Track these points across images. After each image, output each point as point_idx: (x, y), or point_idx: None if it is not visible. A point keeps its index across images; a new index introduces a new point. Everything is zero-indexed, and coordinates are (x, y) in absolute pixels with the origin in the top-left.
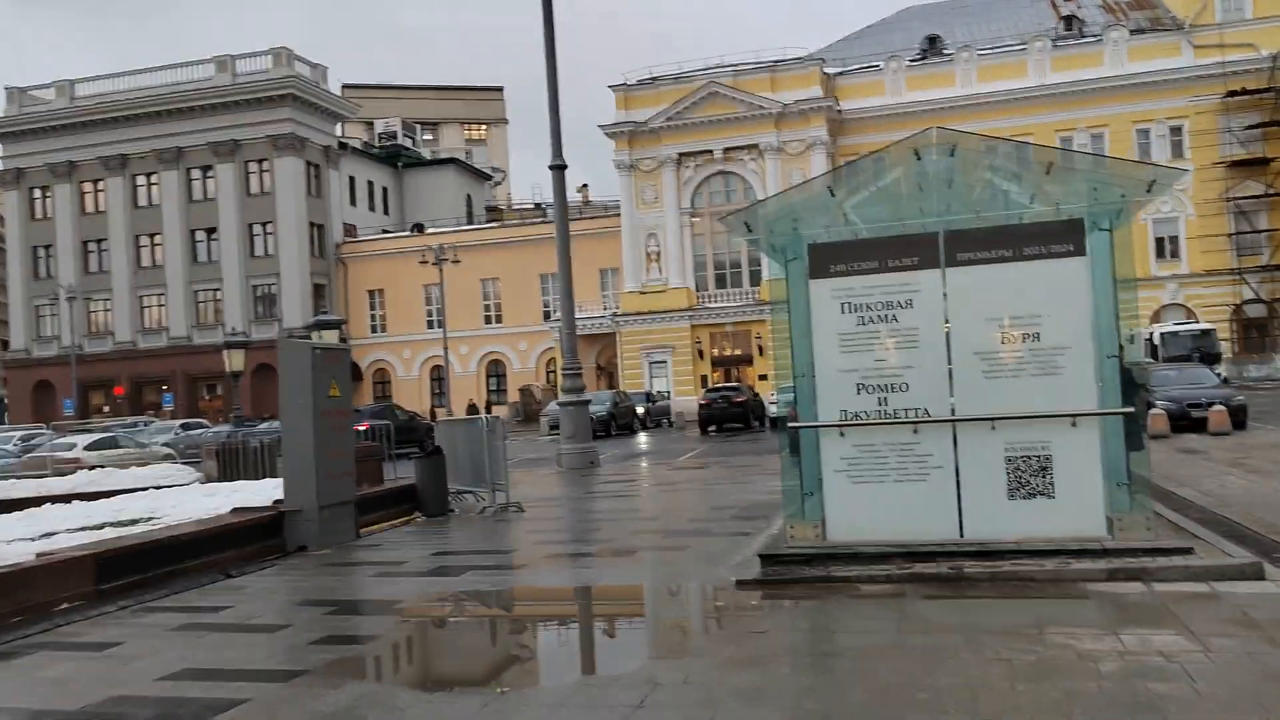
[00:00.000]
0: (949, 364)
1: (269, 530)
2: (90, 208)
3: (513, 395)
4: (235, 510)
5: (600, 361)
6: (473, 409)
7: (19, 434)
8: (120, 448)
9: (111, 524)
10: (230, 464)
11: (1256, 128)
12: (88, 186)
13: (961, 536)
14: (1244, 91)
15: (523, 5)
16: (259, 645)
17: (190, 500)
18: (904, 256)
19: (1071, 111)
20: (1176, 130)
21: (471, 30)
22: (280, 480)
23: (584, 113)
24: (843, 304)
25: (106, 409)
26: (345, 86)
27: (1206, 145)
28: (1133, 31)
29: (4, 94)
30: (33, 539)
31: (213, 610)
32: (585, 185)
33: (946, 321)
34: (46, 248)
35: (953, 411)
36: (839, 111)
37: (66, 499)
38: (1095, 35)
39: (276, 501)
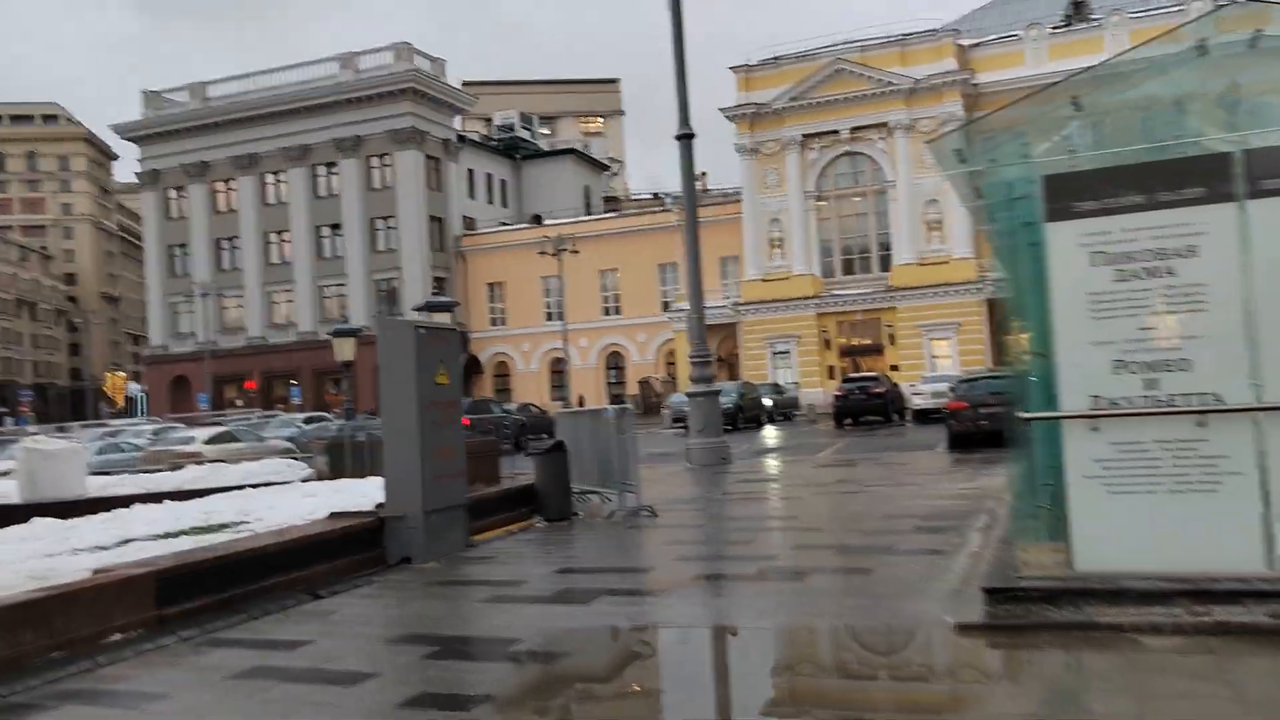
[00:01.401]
0: (1250, 333)
1: (368, 539)
2: (222, 206)
3: (632, 388)
4: (332, 516)
5: (721, 353)
6: (582, 402)
7: (152, 428)
8: (239, 442)
9: (195, 529)
10: (339, 460)
11: None
12: (219, 185)
13: (1273, 569)
14: None
15: None
16: (332, 707)
17: (287, 501)
18: (1183, 187)
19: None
20: None
21: (585, 22)
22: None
23: (702, 99)
24: (1093, 254)
25: (239, 403)
26: (463, 83)
27: None
28: None
29: (141, 98)
30: (106, 547)
31: (289, 647)
32: (704, 173)
33: (1246, 276)
34: (181, 246)
35: (1258, 398)
36: (974, 85)
37: (158, 498)
38: None
39: (378, 505)
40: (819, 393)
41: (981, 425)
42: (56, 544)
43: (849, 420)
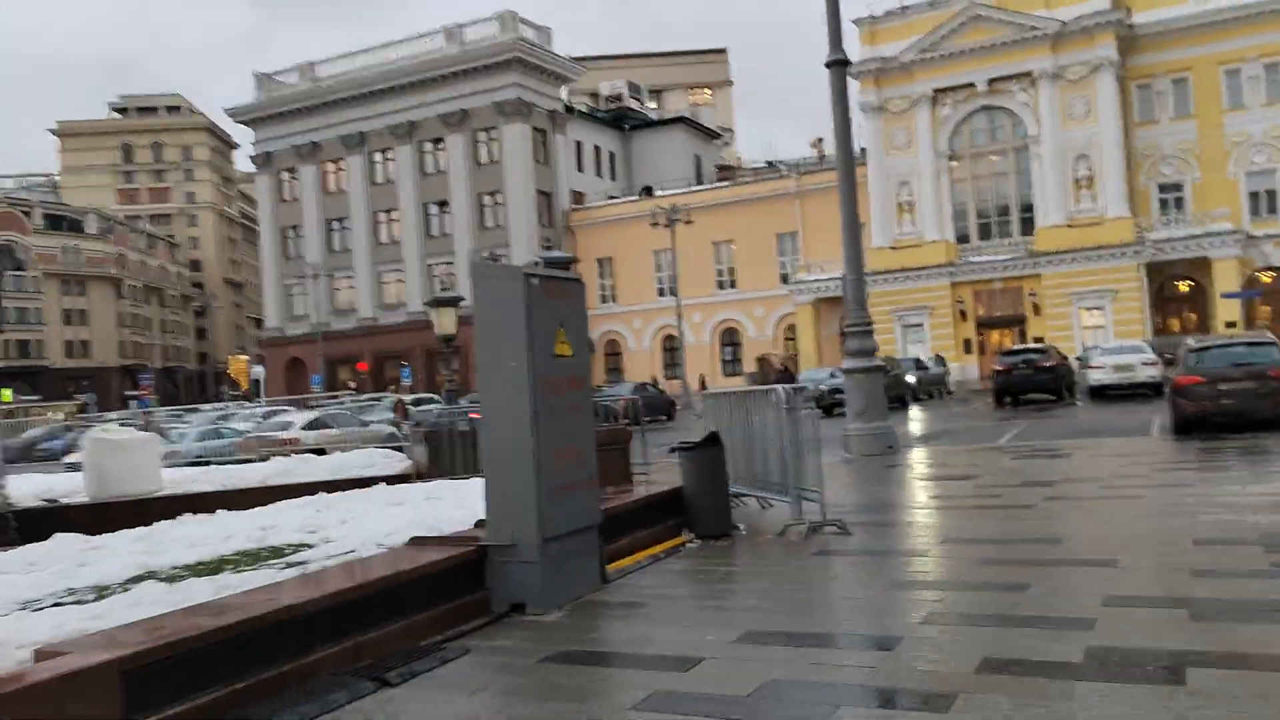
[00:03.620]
0: None
1: (464, 578)
2: (332, 187)
3: (749, 365)
4: (413, 542)
5: (844, 326)
6: (703, 383)
7: (263, 411)
8: (338, 427)
9: (239, 558)
10: (440, 453)
11: None
12: (329, 166)
13: None
14: None
15: None
16: None
17: (368, 512)
18: None
19: None
20: None
21: None
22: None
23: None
24: None
25: (351, 384)
26: (569, 58)
27: None
28: None
29: (253, 81)
30: (106, 589)
31: None
32: (820, 139)
33: None
34: (294, 228)
35: None
36: (1130, 26)
37: (241, 495)
38: None
39: (478, 524)
40: (956, 367)
41: (1224, 406)
42: (47, 582)
43: (1009, 399)
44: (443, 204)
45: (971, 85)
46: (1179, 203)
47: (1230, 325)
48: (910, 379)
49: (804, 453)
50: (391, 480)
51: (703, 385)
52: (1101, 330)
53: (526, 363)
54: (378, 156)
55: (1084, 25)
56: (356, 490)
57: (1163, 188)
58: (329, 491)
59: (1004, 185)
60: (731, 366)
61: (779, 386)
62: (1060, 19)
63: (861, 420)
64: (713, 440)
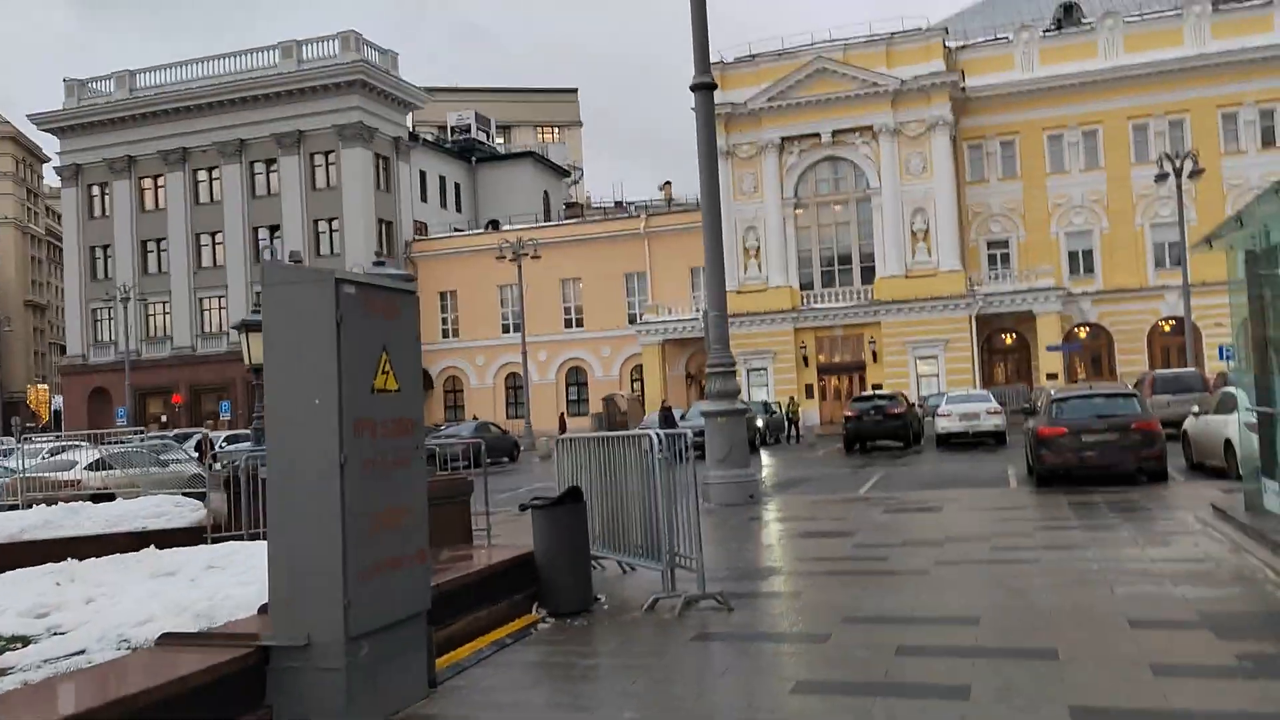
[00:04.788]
0: None
1: (232, 694)
2: (150, 205)
3: (595, 405)
4: (165, 641)
5: (690, 369)
6: (562, 424)
7: (50, 445)
8: (132, 468)
9: None
10: (240, 502)
11: None
12: (147, 183)
13: None
14: None
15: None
16: None
17: (123, 588)
18: None
19: (1237, 84)
20: None
21: (544, 33)
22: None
23: (667, 102)
24: None
25: (164, 418)
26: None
27: None
28: None
29: (63, 88)
30: None
31: None
32: (668, 182)
33: None
34: (105, 247)
35: None
36: (963, 89)
37: None
38: None
39: (263, 610)
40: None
41: (1086, 458)
42: None
43: (858, 445)
44: (274, 229)
45: (817, 135)
46: (1005, 259)
47: (1051, 377)
48: (759, 422)
49: (679, 511)
50: (176, 537)
51: (563, 426)
52: (935, 378)
53: (334, 398)
54: (202, 175)
55: (921, 85)
56: (119, 557)
57: (991, 244)
58: (104, 548)
59: (846, 234)
60: (577, 407)
61: (654, 431)
62: (900, 77)
63: (723, 467)
64: (572, 496)
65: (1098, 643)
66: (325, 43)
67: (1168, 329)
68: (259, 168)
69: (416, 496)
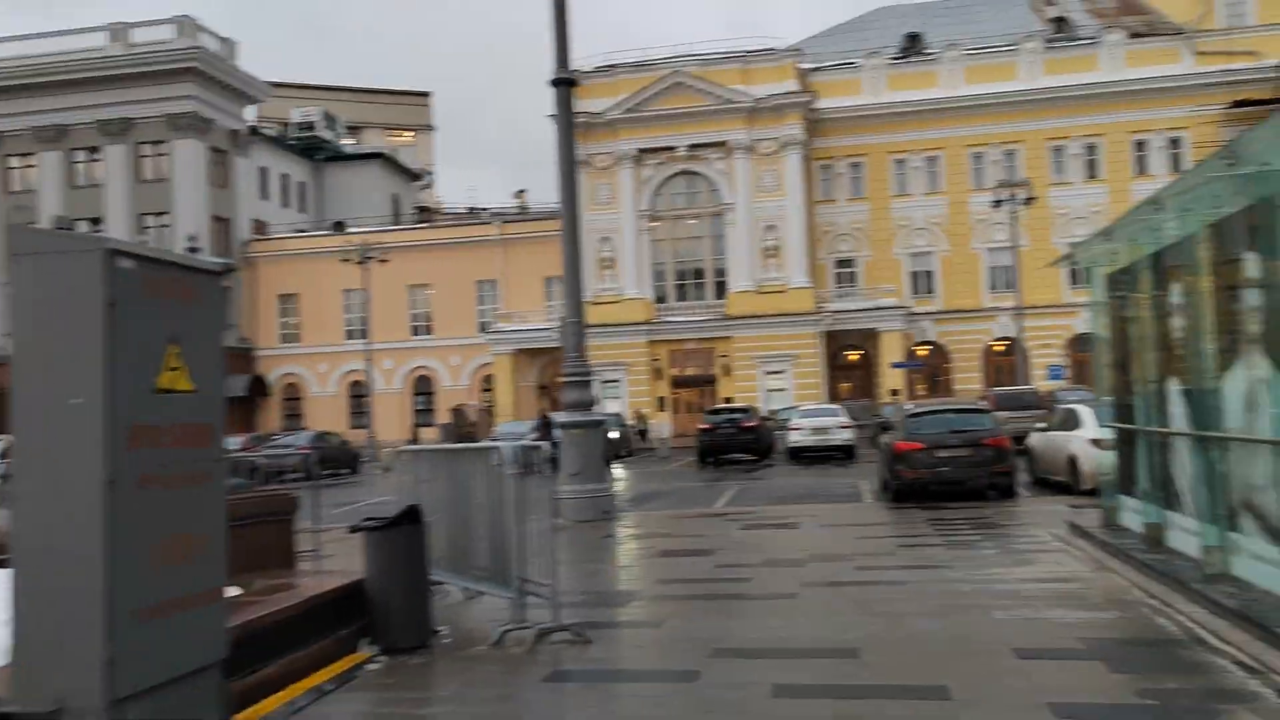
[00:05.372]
0: None
1: None
2: None
3: (443, 415)
4: None
5: (543, 380)
6: (415, 434)
7: None
8: None
9: None
10: None
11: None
12: None
13: None
14: (1249, 102)
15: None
16: None
17: None
18: None
19: (1065, 119)
20: (1175, 142)
21: (397, 35)
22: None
23: (526, 108)
24: None
25: None
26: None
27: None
28: (1132, 35)
29: None
30: None
31: None
32: (524, 190)
33: None
34: None
35: None
36: (815, 110)
37: None
38: (1090, 38)
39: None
40: (652, 425)
41: (941, 473)
42: None
43: (712, 459)
44: (95, 221)
45: (673, 149)
46: (852, 277)
47: (894, 393)
48: (613, 434)
49: (531, 532)
50: None
51: (415, 437)
52: (784, 393)
53: (100, 398)
54: (15, 161)
55: (775, 104)
56: None
57: (839, 262)
58: None
59: (700, 248)
60: (425, 416)
61: (504, 443)
62: (755, 95)
63: (577, 481)
64: (410, 516)
65: (988, 678)
66: (158, 27)
67: (1000, 349)
68: (79, 155)
69: (213, 520)
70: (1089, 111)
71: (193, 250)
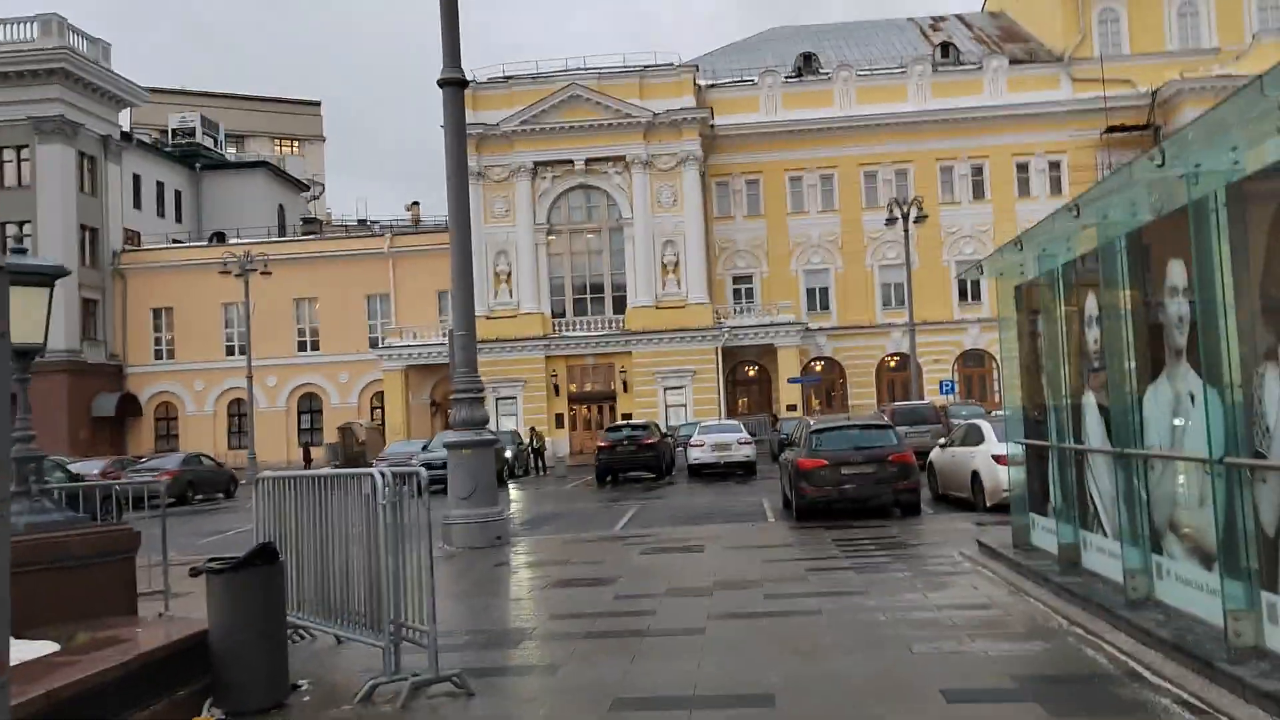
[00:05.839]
0: None
1: None
2: None
3: (330, 435)
4: None
5: (435, 396)
6: (308, 455)
7: None
8: None
9: None
10: None
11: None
12: None
13: None
14: (1123, 128)
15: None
16: None
17: None
18: None
19: (953, 140)
20: (1055, 165)
21: (289, 42)
22: None
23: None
24: None
25: None
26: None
27: (1085, 181)
28: (1013, 62)
29: None
30: None
31: None
32: (416, 203)
33: None
34: None
35: None
36: (712, 126)
37: None
38: (975, 63)
39: None
40: (549, 443)
41: (846, 491)
42: None
43: (610, 477)
44: None
45: (570, 162)
46: (750, 293)
47: (791, 408)
48: (508, 453)
49: (411, 573)
50: None
51: (307, 458)
52: (683, 408)
53: None
54: None
55: (673, 119)
56: None
57: (736, 279)
58: None
59: (598, 263)
60: (310, 436)
61: (375, 471)
62: (653, 110)
63: (468, 505)
64: (263, 555)
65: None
66: (22, 25)
67: (893, 364)
68: None
69: None
70: (975, 134)
71: (18, 251)
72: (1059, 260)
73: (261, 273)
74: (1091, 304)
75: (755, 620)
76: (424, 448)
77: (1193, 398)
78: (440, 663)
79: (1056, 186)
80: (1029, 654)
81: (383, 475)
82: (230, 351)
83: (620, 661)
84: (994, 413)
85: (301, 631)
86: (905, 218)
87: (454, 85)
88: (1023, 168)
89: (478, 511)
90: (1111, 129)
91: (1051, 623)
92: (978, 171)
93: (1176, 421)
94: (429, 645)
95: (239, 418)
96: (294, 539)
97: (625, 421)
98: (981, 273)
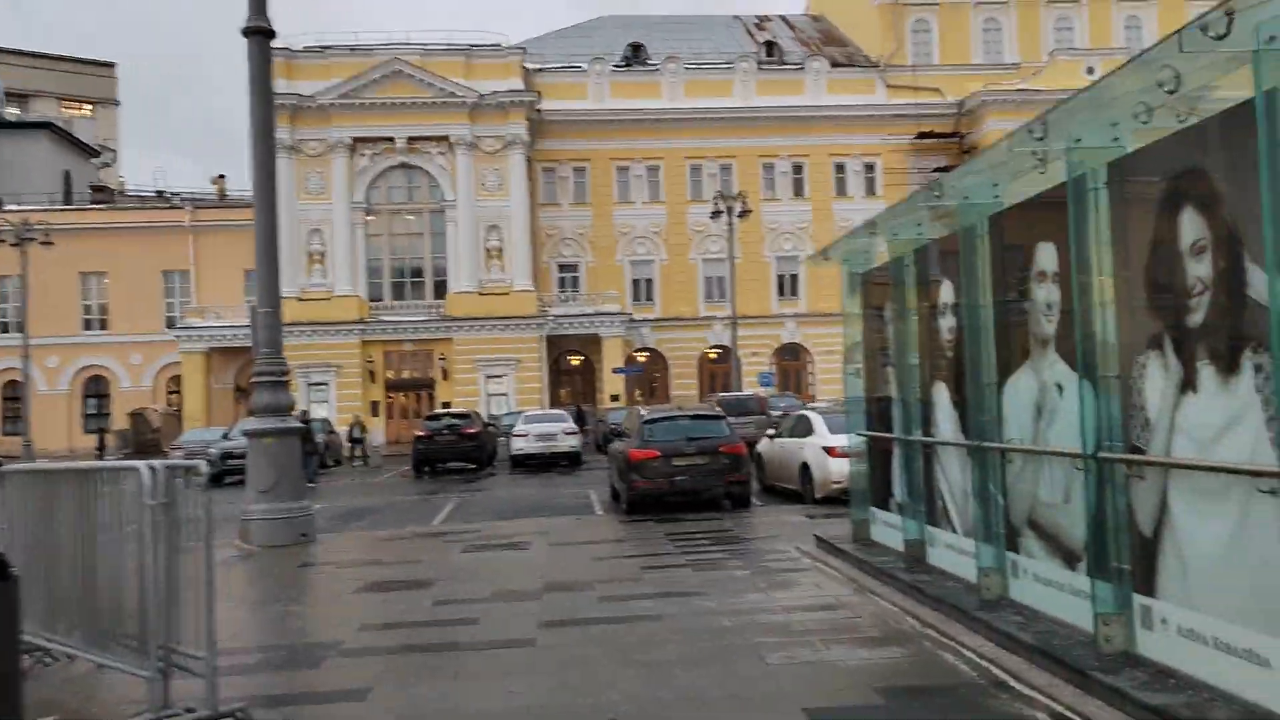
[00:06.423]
0: None
1: None
2: None
3: (120, 420)
4: None
5: (240, 381)
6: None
7: None
8: None
9: None
10: None
11: (943, 170)
12: None
13: None
14: (933, 134)
15: None
16: None
17: None
18: None
19: (776, 138)
20: (870, 167)
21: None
22: None
23: (228, 85)
24: None
25: None
26: None
27: (897, 184)
28: (833, 65)
29: None
30: None
31: None
32: (222, 175)
33: None
34: None
35: None
36: (539, 111)
37: None
38: (798, 64)
39: None
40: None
41: (678, 483)
42: None
43: (428, 468)
44: None
45: (391, 140)
46: (575, 282)
47: (614, 398)
48: (320, 441)
49: (189, 588)
50: None
51: (102, 446)
52: (505, 398)
53: None
54: None
55: (500, 101)
56: None
57: (562, 267)
58: None
59: (420, 246)
60: (97, 422)
61: (143, 464)
62: (479, 91)
63: (269, 499)
64: None
65: None
66: None
67: (714, 356)
68: None
69: None
70: (796, 133)
71: None
72: (913, 245)
73: (42, 243)
74: (947, 292)
75: (590, 628)
76: (224, 435)
77: (1061, 389)
78: (224, 690)
79: (871, 188)
80: (888, 662)
81: (152, 470)
82: (4, 329)
83: (440, 682)
84: (808, 404)
85: (55, 654)
86: (729, 212)
87: (259, 35)
88: (840, 168)
89: (280, 506)
90: (922, 135)
91: (904, 625)
92: (798, 170)
93: (1041, 414)
94: (205, 674)
95: (14, 401)
96: (52, 545)
97: (445, 410)
98: (827, 259)
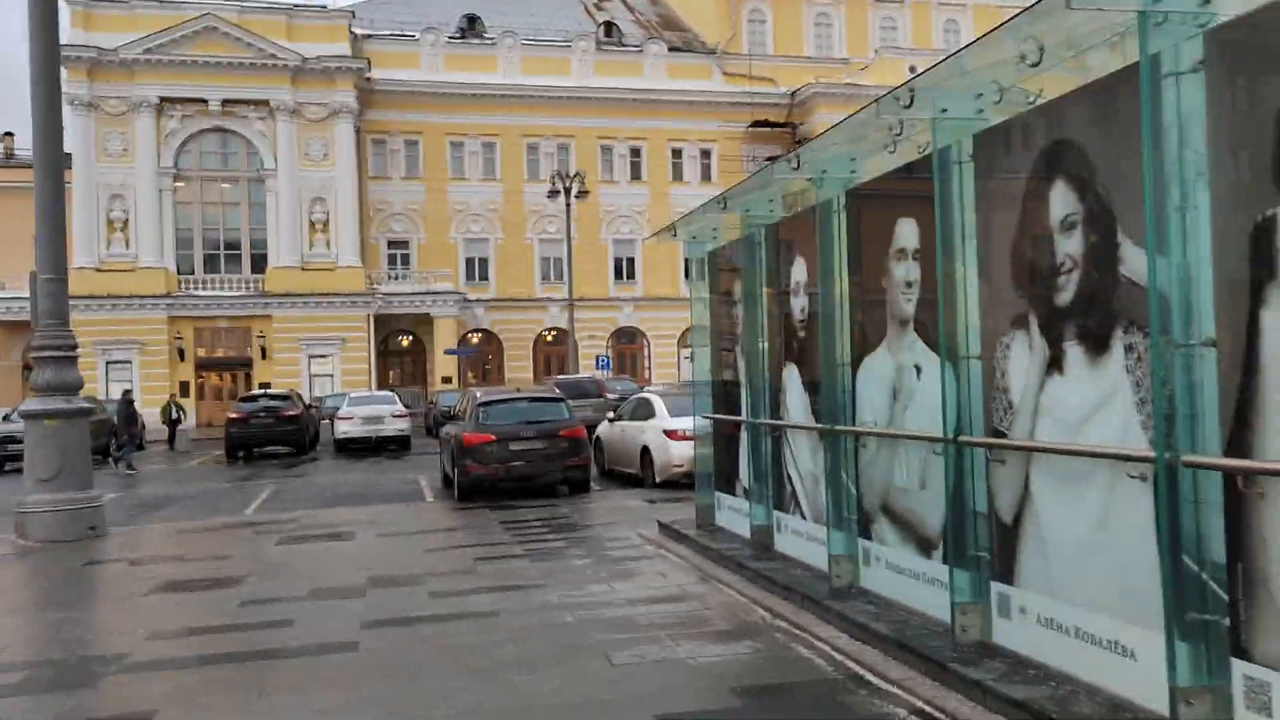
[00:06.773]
0: None
1: None
2: None
3: None
4: None
5: (29, 359)
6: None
7: None
8: None
9: None
10: None
11: (776, 159)
12: None
13: None
14: (767, 123)
15: None
16: None
17: None
18: None
19: (613, 120)
20: (706, 153)
21: None
22: None
23: (12, 38)
24: None
25: None
26: None
27: (732, 171)
28: (671, 49)
29: None
30: None
31: None
32: (9, 133)
33: None
34: None
35: None
36: (369, 79)
37: None
38: (636, 46)
39: None
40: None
41: (514, 468)
42: None
43: (243, 452)
44: None
45: (204, 102)
46: (406, 259)
47: (446, 380)
48: (139, 423)
49: None
50: None
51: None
52: (330, 378)
53: None
54: None
55: (325, 66)
56: None
57: (392, 243)
58: None
59: (236, 216)
60: None
61: None
62: (302, 54)
63: (51, 489)
64: None
65: None
66: None
67: (550, 338)
68: None
69: None
70: (634, 116)
71: None
72: (764, 221)
73: None
74: (799, 270)
75: (420, 628)
76: (4, 417)
77: (919, 370)
78: None
79: (707, 174)
80: (741, 658)
81: None
82: None
83: (245, 700)
84: (645, 388)
85: None
86: (567, 192)
87: None
88: (677, 153)
89: (65, 496)
90: (757, 123)
91: (754, 616)
92: (635, 153)
93: (898, 397)
94: None
95: None
96: None
97: (263, 391)
98: (674, 236)
